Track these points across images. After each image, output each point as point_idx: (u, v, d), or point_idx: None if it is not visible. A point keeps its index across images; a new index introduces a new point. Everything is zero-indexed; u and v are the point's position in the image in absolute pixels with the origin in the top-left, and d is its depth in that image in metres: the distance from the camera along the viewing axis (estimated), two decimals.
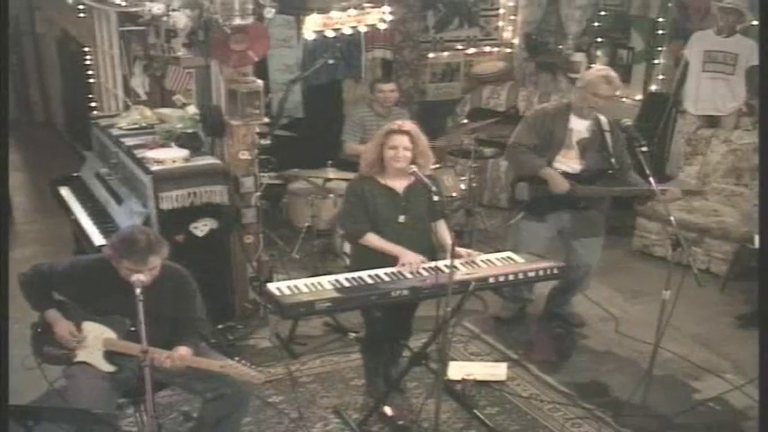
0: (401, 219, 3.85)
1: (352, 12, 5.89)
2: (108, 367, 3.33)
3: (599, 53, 7.78)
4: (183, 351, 3.26)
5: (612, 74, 4.56)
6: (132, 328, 3.23)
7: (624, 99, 7.50)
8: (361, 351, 4.28)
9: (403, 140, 3.76)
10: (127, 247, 3.18)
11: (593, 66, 7.72)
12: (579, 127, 4.63)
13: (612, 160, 4.58)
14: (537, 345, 4.87)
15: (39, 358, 3.39)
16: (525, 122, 4.74)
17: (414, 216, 3.87)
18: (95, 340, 3.33)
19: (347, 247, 5.29)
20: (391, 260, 3.75)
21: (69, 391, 3.29)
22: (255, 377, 3.23)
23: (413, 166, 3.74)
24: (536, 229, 4.74)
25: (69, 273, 3.39)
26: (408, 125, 3.88)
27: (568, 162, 4.64)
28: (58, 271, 3.39)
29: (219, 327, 4.64)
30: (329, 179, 5.70)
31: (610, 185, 4.64)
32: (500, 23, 8.06)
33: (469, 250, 3.88)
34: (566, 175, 4.58)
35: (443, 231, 3.91)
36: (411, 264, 3.69)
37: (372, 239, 3.82)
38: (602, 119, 4.65)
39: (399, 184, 3.86)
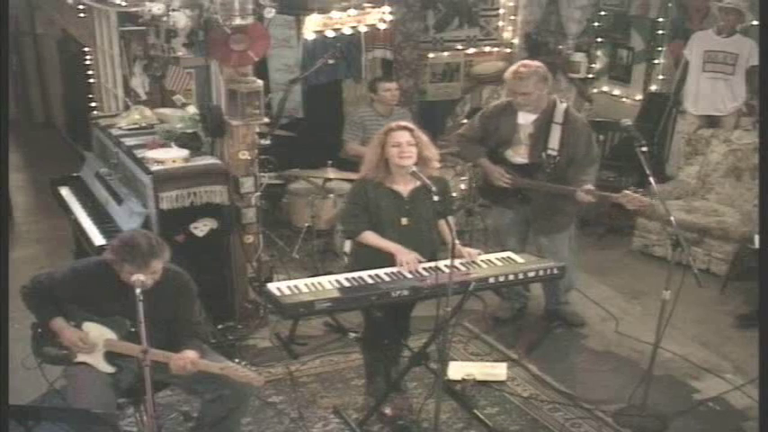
0: (404, 221, 3.85)
1: (352, 12, 5.89)
2: (108, 368, 3.33)
3: (599, 53, 7.79)
4: (193, 355, 3.25)
5: (523, 69, 4.56)
6: (132, 329, 3.23)
7: (624, 99, 7.52)
8: (362, 350, 4.28)
9: (405, 136, 3.76)
10: (128, 252, 3.17)
11: (593, 65, 7.78)
12: (527, 121, 4.68)
13: (546, 153, 4.60)
14: (522, 337, 4.93)
15: (38, 358, 3.39)
16: (474, 118, 4.96)
17: (417, 219, 3.87)
18: (96, 341, 3.32)
19: (347, 247, 5.28)
20: (390, 260, 3.75)
21: (69, 392, 3.29)
22: (255, 379, 3.23)
23: (413, 166, 3.74)
24: (501, 214, 4.93)
25: (69, 279, 3.37)
26: (405, 122, 3.90)
27: (518, 156, 4.74)
28: (57, 279, 3.37)
29: (219, 327, 4.65)
30: (329, 179, 5.70)
31: (550, 179, 4.65)
32: (500, 23, 8.05)
33: (471, 250, 3.89)
34: (514, 165, 4.72)
35: (446, 229, 3.89)
36: (408, 262, 3.68)
37: (369, 237, 3.83)
38: (559, 110, 4.65)
39: (404, 188, 3.85)
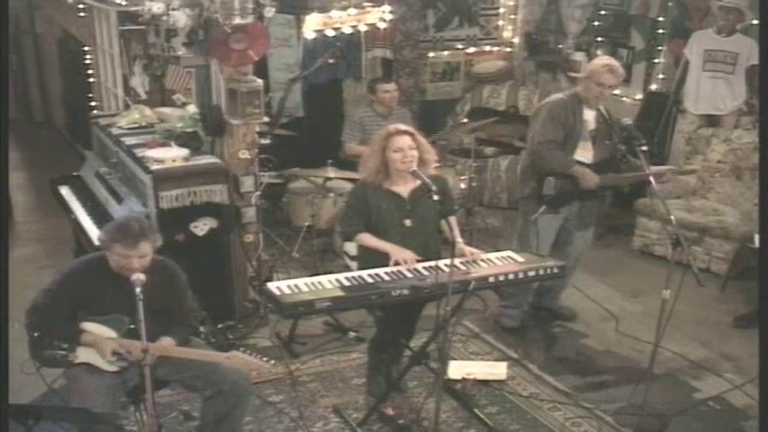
0: (407, 223, 3.84)
1: (353, 11, 5.89)
2: (111, 366, 3.33)
3: (599, 52, 7.77)
4: (166, 342, 3.28)
5: (615, 63, 4.61)
6: (131, 327, 3.24)
7: (624, 98, 7.51)
8: (369, 352, 4.24)
9: (406, 141, 3.75)
10: (119, 231, 3.23)
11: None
12: (589, 118, 4.66)
13: (618, 148, 4.65)
14: (525, 341, 4.91)
15: (37, 362, 3.35)
16: (549, 117, 4.58)
17: (420, 220, 3.86)
18: None
19: (348, 247, 5.30)
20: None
21: (72, 392, 3.29)
22: (262, 366, 3.24)
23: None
24: (551, 221, 4.77)
25: (65, 284, 3.36)
26: (405, 126, 3.88)
27: (584, 153, 4.66)
28: (53, 291, 3.34)
29: (219, 326, 4.64)
30: (329, 178, 5.69)
31: (616, 171, 4.70)
32: (500, 23, 8.06)
33: (473, 249, 3.88)
34: (585, 165, 4.63)
35: (447, 229, 3.89)
36: (405, 260, 3.67)
37: (364, 238, 3.82)
38: (602, 107, 4.71)
39: (404, 189, 3.85)
